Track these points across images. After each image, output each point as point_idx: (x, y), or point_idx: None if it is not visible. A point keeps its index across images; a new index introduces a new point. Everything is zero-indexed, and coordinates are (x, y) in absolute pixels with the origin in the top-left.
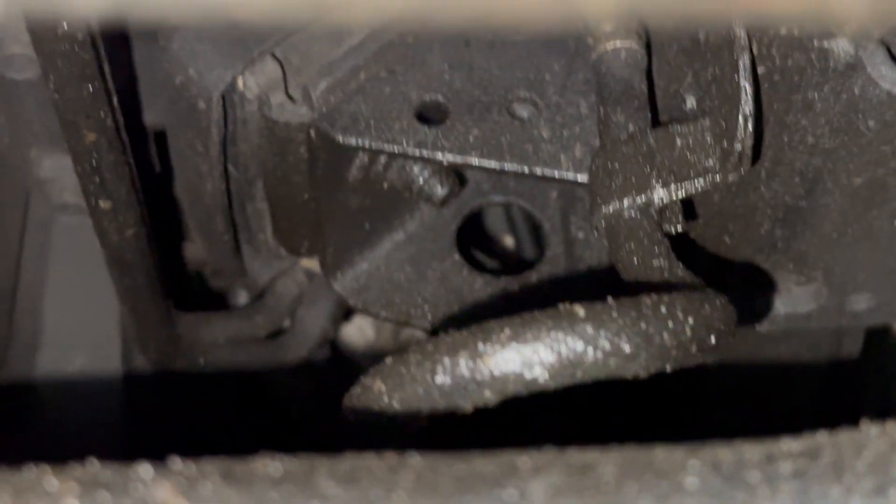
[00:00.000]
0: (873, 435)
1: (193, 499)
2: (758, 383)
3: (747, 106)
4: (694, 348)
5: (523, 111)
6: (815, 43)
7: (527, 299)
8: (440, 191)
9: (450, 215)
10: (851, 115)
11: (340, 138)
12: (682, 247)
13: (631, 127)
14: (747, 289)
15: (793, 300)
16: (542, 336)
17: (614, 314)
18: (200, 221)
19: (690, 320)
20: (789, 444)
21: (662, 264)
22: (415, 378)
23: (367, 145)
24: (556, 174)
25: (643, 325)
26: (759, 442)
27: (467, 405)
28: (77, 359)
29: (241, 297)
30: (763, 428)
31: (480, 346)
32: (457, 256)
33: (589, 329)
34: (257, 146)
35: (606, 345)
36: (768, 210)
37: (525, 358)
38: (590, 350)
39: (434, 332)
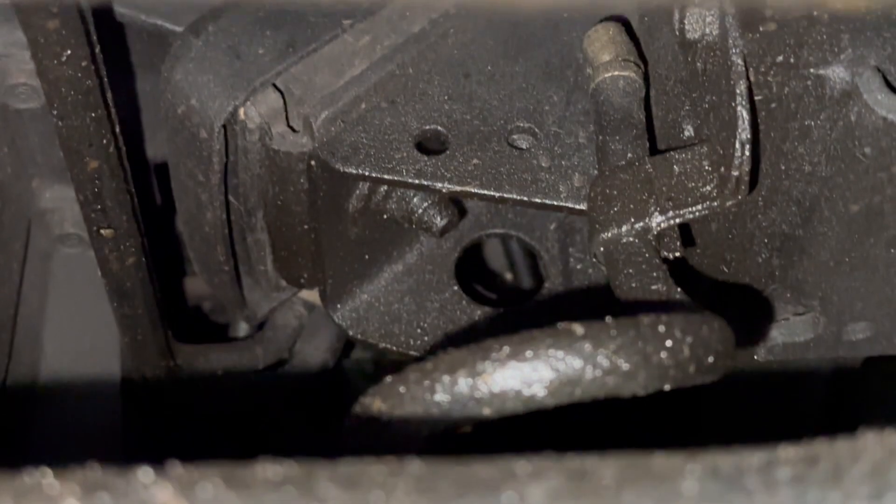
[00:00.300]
0: (871, 442)
1: (193, 501)
2: (759, 391)
3: (744, 132)
4: (692, 368)
5: (523, 141)
6: (812, 70)
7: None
8: (439, 221)
9: (449, 247)
10: (848, 141)
11: (340, 167)
12: (680, 276)
13: (629, 154)
14: (745, 318)
15: (790, 330)
16: (540, 354)
17: (613, 332)
18: (200, 252)
19: (689, 340)
20: (787, 451)
21: (661, 289)
22: (414, 397)
23: (367, 174)
24: (555, 203)
25: (641, 344)
26: (758, 448)
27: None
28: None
29: (241, 329)
30: (763, 436)
31: (479, 364)
32: (456, 288)
33: (587, 347)
34: (258, 176)
35: (605, 363)
36: (765, 239)
37: (524, 376)
38: (588, 368)
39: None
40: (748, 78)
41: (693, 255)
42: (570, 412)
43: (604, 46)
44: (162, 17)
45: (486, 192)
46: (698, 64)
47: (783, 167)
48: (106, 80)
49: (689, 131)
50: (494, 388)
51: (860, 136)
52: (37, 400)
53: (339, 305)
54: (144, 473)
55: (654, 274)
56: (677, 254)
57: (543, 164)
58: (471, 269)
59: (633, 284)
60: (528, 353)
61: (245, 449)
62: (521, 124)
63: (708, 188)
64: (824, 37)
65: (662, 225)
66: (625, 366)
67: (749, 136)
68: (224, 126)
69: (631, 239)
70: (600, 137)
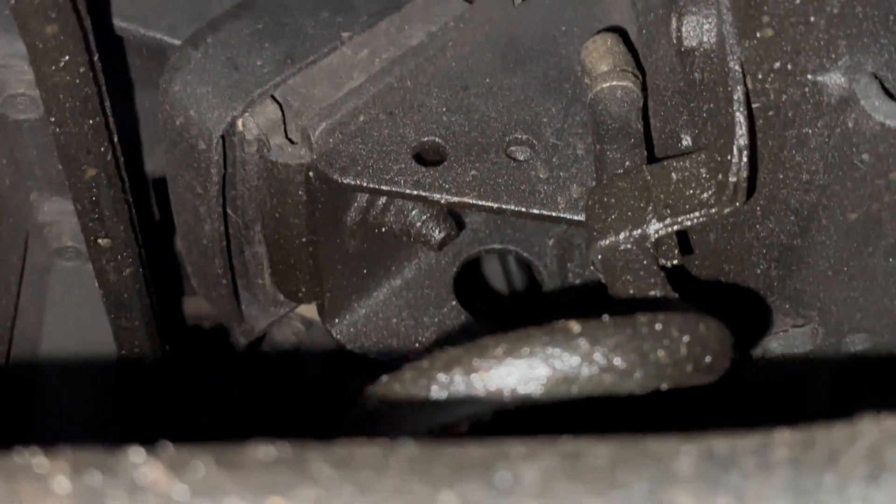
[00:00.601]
0: (868, 425)
1: (185, 481)
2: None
3: (742, 138)
4: (690, 367)
5: (521, 153)
6: (810, 77)
7: None
8: (438, 234)
9: (447, 262)
10: (846, 148)
11: (338, 178)
12: (678, 287)
13: (627, 163)
14: (744, 329)
15: (789, 341)
16: (537, 351)
17: (610, 330)
18: (198, 265)
19: (686, 339)
20: (784, 434)
21: (658, 296)
22: (410, 395)
23: (364, 185)
24: (553, 214)
25: (638, 342)
26: (754, 431)
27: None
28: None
29: (238, 344)
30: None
31: (476, 361)
32: (454, 302)
33: (584, 344)
34: (256, 188)
35: (601, 360)
36: (764, 249)
37: (520, 373)
38: (585, 366)
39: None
40: (745, 84)
41: (692, 266)
42: (568, 412)
43: (601, 57)
44: (161, 30)
45: (483, 203)
46: (696, 73)
47: (781, 176)
48: (104, 87)
49: (687, 141)
50: (490, 385)
51: (858, 142)
52: (34, 414)
53: (337, 320)
54: (135, 453)
55: (652, 280)
56: (675, 261)
57: (541, 176)
58: (469, 285)
59: (631, 291)
60: (525, 351)
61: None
62: (520, 136)
63: (706, 195)
64: (821, 43)
65: (660, 232)
66: (621, 364)
67: (747, 141)
68: (222, 137)
69: (629, 246)
70: (598, 147)
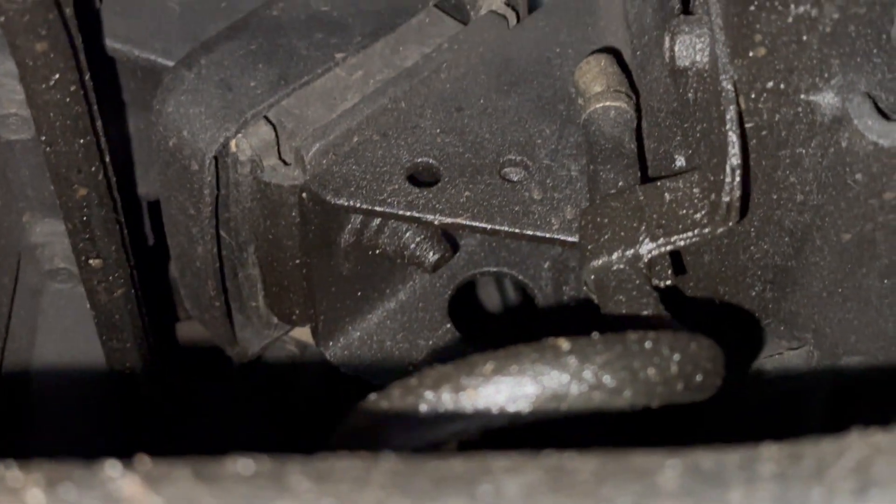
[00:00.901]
0: (856, 440)
1: (162, 494)
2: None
3: (735, 157)
4: (680, 386)
5: (515, 174)
6: (803, 96)
7: None
8: (432, 256)
9: (442, 285)
10: (839, 168)
11: (331, 199)
12: (672, 309)
13: (620, 183)
14: (739, 351)
15: (784, 363)
16: (525, 369)
17: (599, 347)
18: (191, 287)
19: (676, 357)
20: (771, 449)
21: (650, 314)
22: (398, 413)
23: (358, 206)
24: (547, 235)
25: (628, 360)
26: (741, 446)
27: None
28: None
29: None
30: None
31: (464, 379)
32: (449, 325)
33: (573, 362)
34: (249, 209)
35: (591, 378)
36: (758, 271)
37: (508, 391)
38: (574, 383)
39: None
40: (738, 104)
41: (686, 288)
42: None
43: (595, 78)
44: (155, 51)
45: (477, 224)
46: (689, 93)
47: (775, 196)
48: (96, 106)
49: (681, 161)
50: (479, 403)
51: (851, 162)
52: (27, 436)
53: (331, 342)
54: (112, 466)
55: (645, 301)
56: (669, 282)
57: (535, 197)
58: (464, 307)
59: (623, 311)
60: (514, 368)
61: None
62: (514, 157)
63: (699, 215)
64: (814, 62)
65: (653, 252)
66: (611, 381)
67: (740, 161)
68: (215, 158)
69: (621, 266)
70: (591, 167)
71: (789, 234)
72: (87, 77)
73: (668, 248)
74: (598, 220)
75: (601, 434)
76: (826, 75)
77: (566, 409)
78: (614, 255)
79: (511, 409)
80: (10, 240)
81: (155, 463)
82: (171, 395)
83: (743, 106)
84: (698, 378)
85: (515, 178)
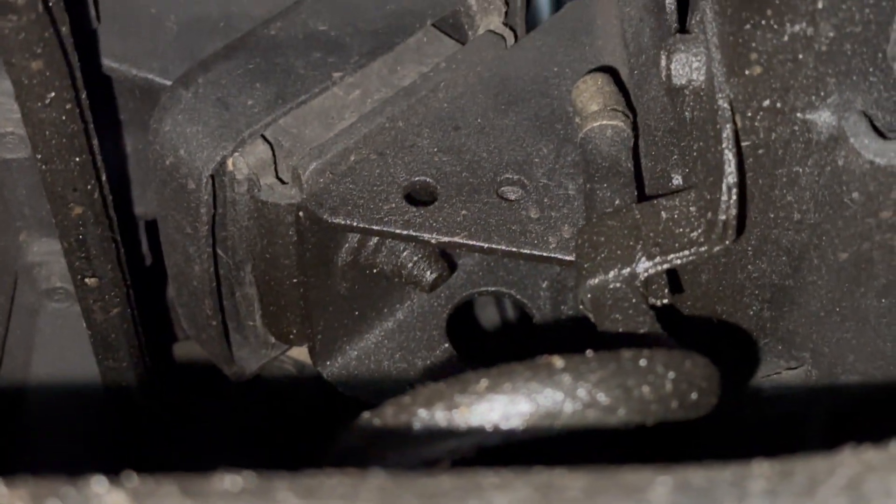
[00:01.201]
0: (848, 457)
1: None
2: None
3: (731, 176)
4: (675, 404)
5: (512, 193)
6: (799, 115)
7: None
8: (429, 275)
9: (440, 304)
10: (836, 187)
11: (328, 218)
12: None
13: (617, 202)
14: (737, 371)
15: (782, 382)
16: (519, 387)
17: (593, 365)
18: (188, 307)
19: (671, 375)
20: (762, 465)
21: (646, 332)
22: (391, 431)
23: (354, 225)
24: (544, 254)
25: (622, 378)
26: (732, 463)
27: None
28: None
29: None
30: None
31: (457, 396)
32: (447, 345)
33: (567, 380)
34: (246, 228)
35: (585, 396)
36: (756, 290)
37: (502, 409)
38: (568, 401)
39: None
40: (735, 122)
41: (684, 307)
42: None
43: (592, 97)
44: (153, 71)
45: (474, 243)
46: (686, 112)
47: (772, 215)
48: (91, 125)
49: (678, 180)
50: (472, 421)
51: (847, 181)
52: (22, 456)
53: (328, 362)
54: (98, 482)
55: (641, 319)
56: (665, 301)
57: (532, 216)
58: (463, 327)
59: (620, 330)
60: (507, 386)
61: None
62: (511, 176)
63: (695, 234)
64: (810, 81)
65: (650, 271)
66: (605, 399)
67: (736, 179)
68: (212, 177)
69: (618, 285)
70: (588, 186)
71: (786, 253)
72: (83, 95)
73: (665, 266)
74: (595, 238)
75: (595, 451)
76: (822, 94)
77: (560, 427)
78: (611, 274)
79: (504, 426)
80: (7, 259)
81: (142, 479)
82: (168, 414)
83: (739, 124)
84: (693, 396)
85: (513, 197)
